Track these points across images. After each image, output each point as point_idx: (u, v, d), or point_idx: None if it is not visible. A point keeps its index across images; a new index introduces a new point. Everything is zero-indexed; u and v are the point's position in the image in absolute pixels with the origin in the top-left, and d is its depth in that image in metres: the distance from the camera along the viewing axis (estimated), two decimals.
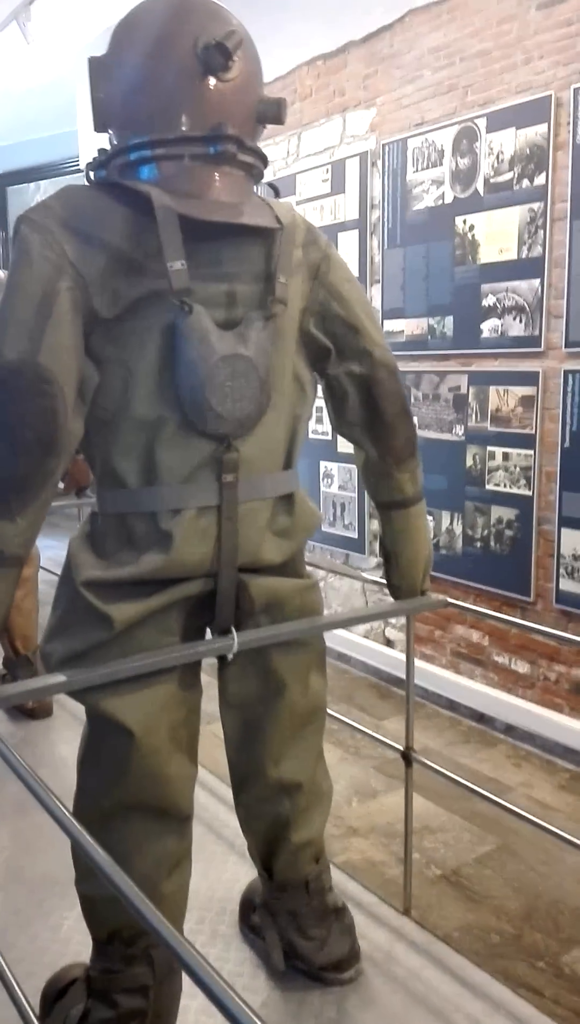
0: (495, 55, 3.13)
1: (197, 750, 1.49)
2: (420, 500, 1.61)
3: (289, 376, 1.43)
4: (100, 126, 1.38)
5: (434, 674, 3.65)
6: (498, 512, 3.32)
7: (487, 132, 3.17)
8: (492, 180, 3.18)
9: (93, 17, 5.10)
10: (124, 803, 1.37)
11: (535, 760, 3.20)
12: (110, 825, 1.35)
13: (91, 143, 5.74)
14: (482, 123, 3.19)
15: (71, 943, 1.80)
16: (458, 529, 3.50)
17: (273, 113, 1.37)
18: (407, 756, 1.82)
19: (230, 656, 1.41)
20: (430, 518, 3.59)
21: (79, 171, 6.05)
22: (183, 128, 1.30)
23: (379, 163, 3.68)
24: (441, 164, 3.38)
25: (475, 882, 2.47)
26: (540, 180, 3.01)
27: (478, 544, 3.42)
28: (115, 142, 1.37)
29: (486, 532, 3.38)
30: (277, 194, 1.49)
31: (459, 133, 3.28)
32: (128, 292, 1.27)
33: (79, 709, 2.86)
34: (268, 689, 1.51)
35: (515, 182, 3.10)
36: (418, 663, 3.76)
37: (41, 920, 1.87)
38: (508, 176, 3.12)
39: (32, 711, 2.95)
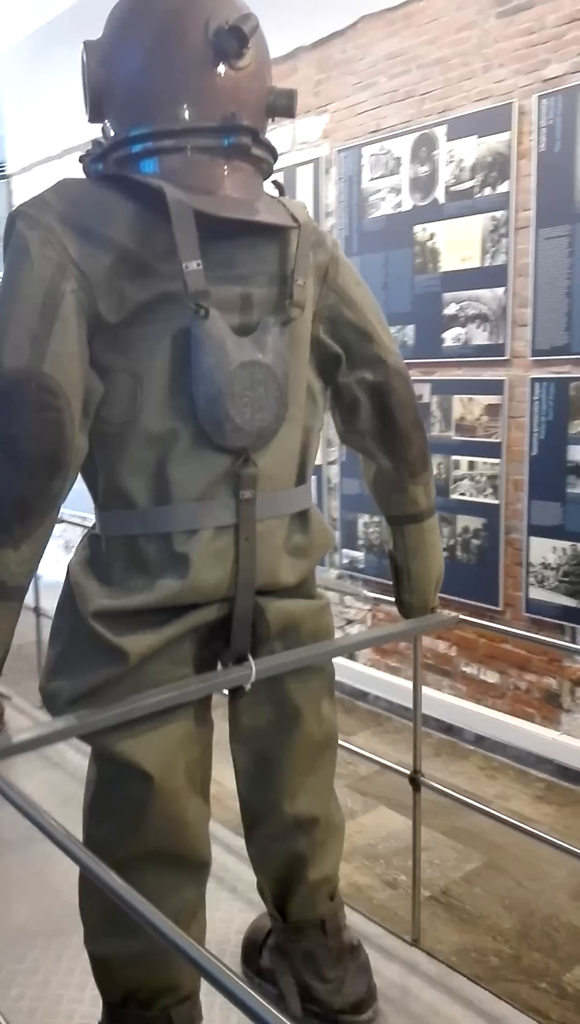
0: (454, 63, 3.12)
1: (209, 790, 1.38)
2: (433, 513, 1.54)
3: (304, 385, 1.34)
4: (95, 116, 1.27)
5: (400, 686, 3.60)
6: (464, 521, 3.29)
7: (447, 140, 3.15)
8: (453, 188, 3.16)
9: (18, 20, 4.94)
10: (140, 854, 1.25)
11: (509, 771, 3.17)
12: (124, 879, 1.23)
13: (18, 149, 5.57)
14: (442, 131, 3.17)
15: (62, 1001, 1.66)
16: None
17: (284, 105, 1.29)
18: (415, 780, 1.75)
19: (248, 686, 1.31)
20: None
21: (5, 177, 5.86)
22: (192, 118, 1.20)
23: (333, 170, 3.63)
24: (398, 172, 3.35)
25: (466, 901, 2.41)
26: (503, 188, 3.00)
27: (444, 553, 3.37)
28: (112, 133, 1.27)
29: (452, 541, 3.34)
30: (282, 192, 1.41)
31: (417, 140, 3.26)
32: (135, 295, 1.17)
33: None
34: (283, 719, 1.41)
35: (477, 190, 3.08)
36: (381, 675, 3.70)
37: (26, 976, 1.72)
38: (470, 184, 3.10)
39: None
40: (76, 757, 2.59)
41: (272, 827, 1.46)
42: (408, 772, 1.78)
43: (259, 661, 1.32)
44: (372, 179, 3.46)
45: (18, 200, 5.73)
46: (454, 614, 1.62)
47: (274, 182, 1.39)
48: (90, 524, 1.35)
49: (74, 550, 1.32)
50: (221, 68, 1.20)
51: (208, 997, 1.44)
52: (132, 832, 1.25)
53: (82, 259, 1.13)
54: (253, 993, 0.73)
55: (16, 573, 1.13)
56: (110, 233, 1.15)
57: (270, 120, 1.31)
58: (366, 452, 1.49)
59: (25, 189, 5.65)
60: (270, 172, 1.33)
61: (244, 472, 1.24)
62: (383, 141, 3.39)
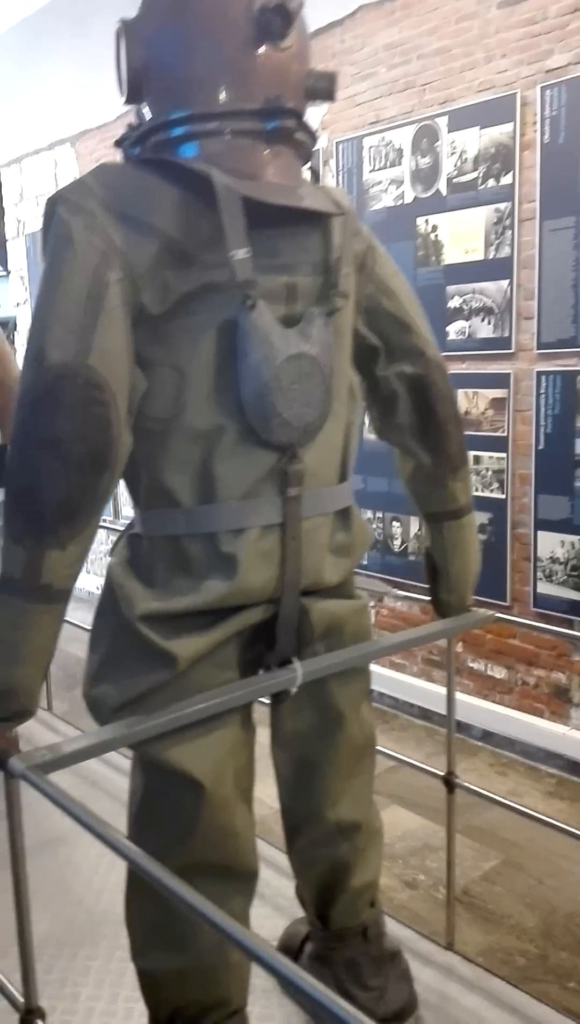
0: (455, 53, 3.09)
1: (253, 797, 1.34)
2: (472, 510, 1.51)
3: (347, 378, 1.30)
4: (132, 97, 1.22)
5: (405, 683, 3.58)
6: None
7: (449, 131, 3.12)
8: (455, 180, 3.13)
9: (5, 9, 4.85)
10: (187, 865, 1.20)
11: (519, 767, 3.15)
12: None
13: (5, 141, 5.48)
14: (443, 122, 3.14)
15: (94, 1014, 1.61)
16: None
17: (325, 88, 1.24)
18: (449, 782, 1.71)
19: (294, 690, 1.27)
20: (397, 524, 3.52)
21: None
22: (235, 100, 1.16)
23: (332, 162, 3.59)
24: (400, 163, 3.31)
25: (487, 900, 2.39)
26: (507, 180, 2.98)
27: None
28: (149, 116, 1.22)
29: None
30: (317, 178, 1.36)
31: (419, 132, 3.22)
32: (179, 286, 1.12)
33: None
34: (326, 723, 1.37)
35: (480, 182, 3.06)
36: (386, 672, 3.67)
37: (55, 989, 1.67)
38: (473, 176, 3.08)
39: None
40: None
41: (314, 834, 1.42)
42: (441, 773, 1.74)
43: (305, 663, 1.27)
44: (372, 171, 3.42)
45: (7, 193, 5.63)
46: (490, 612, 1.58)
47: (310, 168, 1.35)
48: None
49: (113, 551, 1.28)
50: (265, 48, 1.15)
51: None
52: (181, 843, 1.20)
53: (127, 247, 1.08)
54: (322, 987, 0.71)
55: (63, 576, 1.08)
56: (154, 220, 1.10)
57: (309, 103, 1.27)
58: (404, 447, 1.45)
59: (13, 182, 5.56)
60: (310, 157, 1.29)
61: (290, 469, 1.20)
62: (383, 132, 3.35)
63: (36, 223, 5.38)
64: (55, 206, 1.10)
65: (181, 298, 1.13)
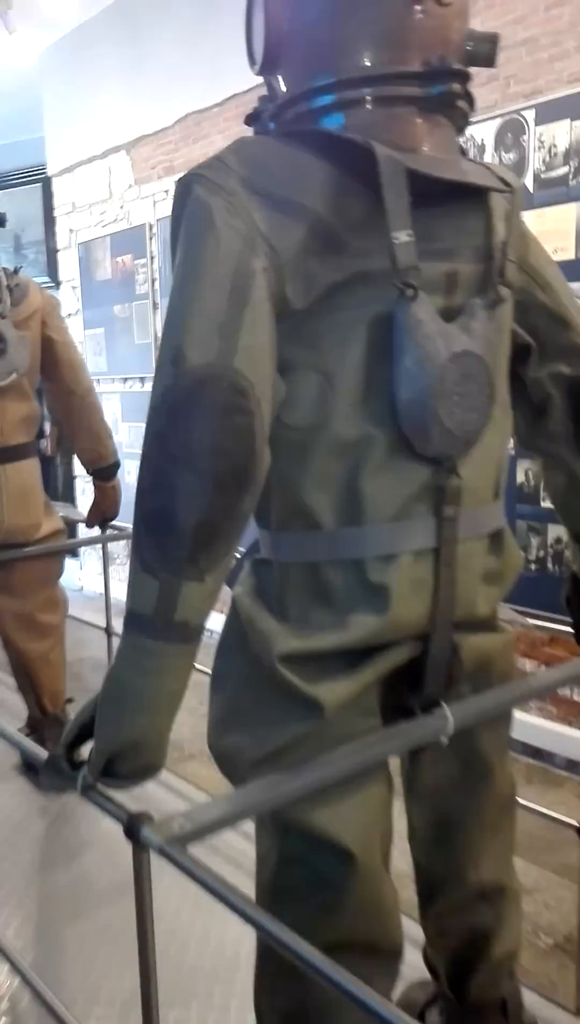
0: (543, 43, 2.92)
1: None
2: None
3: (506, 380, 1.14)
4: (267, 66, 1.07)
5: None
6: (556, 531, 3.08)
7: (536, 124, 2.95)
8: (544, 175, 2.96)
9: (61, 15, 4.78)
10: (329, 943, 1.04)
11: None
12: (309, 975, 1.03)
13: (59, 149, 5.41)
14: (530, 115, 2.97)
15: None
16: None
17: (486, 53, 1.09)
18: None
19: (446, 739, 1.10)
20: None
21: (44, 178, 5.70)
22: (392, 63, 1.00)
23: None
24: (483, 159, 3.14)
25: None
26: None
27: (533, 567, 3.17)
28: (284, 88, 1.07)
29: (542, 553, 3.13)
30: (463, 153, 1.21)
31: (503, 126, 3.06)
32: (326, 275, 0.97)
33: None
34: (471, 775, 1.21)
35: (571, 177, 2.88)
36: None
37: None
38: (563, 171, 2.90)
39: None
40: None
41: (454, 898, 1.25)
42: (574, 823, 1.56)
43: (455, 708, 1.11)
44: None
45: (59, 203, 5.55)
46: None
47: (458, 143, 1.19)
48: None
49: (236, 578, 1.12)
50: (426, 3, 1.00)
51: None
52: (324, 919, 1.04)
53: (271, 232, 0.94)
54: None
55: (201, 610, 0.93)
56: (301, 199, 0.95)
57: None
58: (555, 458, 1.29)
59: (64, 191, 5.48)
60: (464, 129, 1.13)
61: (448, 485, 1.04)
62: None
63: (88, 232, 5.30)
64: (190, 186, 0.95)
65: (327, 290, 0.98)
